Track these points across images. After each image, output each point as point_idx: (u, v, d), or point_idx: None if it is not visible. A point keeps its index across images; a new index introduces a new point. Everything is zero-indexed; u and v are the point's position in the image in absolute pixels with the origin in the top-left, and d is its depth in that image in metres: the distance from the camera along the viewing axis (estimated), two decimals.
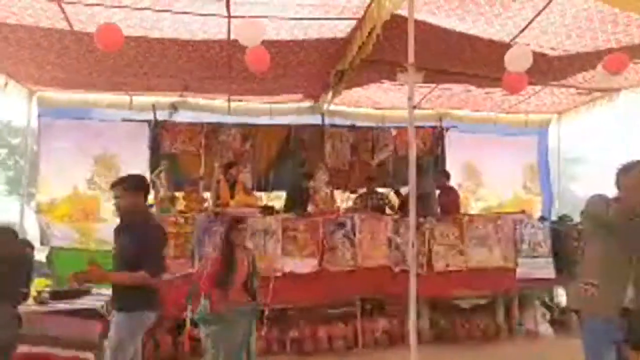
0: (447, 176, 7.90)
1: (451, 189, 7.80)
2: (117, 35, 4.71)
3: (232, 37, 5.37)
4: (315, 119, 8.68)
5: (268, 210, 6.43)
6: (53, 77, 6.89)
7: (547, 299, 7.31)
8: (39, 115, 7.88)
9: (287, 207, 6.96)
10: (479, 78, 6.95)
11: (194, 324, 4.63)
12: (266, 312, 5.59)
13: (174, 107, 7.73)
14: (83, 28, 5.26)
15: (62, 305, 4.86)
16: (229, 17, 5.07)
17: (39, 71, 6.69)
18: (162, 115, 8.06)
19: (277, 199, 8.39)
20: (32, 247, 4.20)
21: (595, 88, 7.40)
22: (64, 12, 4.93)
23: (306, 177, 7.28)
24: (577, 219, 7.11)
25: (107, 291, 5.36)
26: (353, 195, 8.14)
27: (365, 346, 5.93)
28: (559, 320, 6.91)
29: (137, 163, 7.85)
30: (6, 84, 6.88)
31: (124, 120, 8.07)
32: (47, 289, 5.21)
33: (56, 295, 5.09)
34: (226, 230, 4.27)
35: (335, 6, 4.93)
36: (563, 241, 6.75)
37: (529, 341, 6.41)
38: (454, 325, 6.36)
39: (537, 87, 7.55)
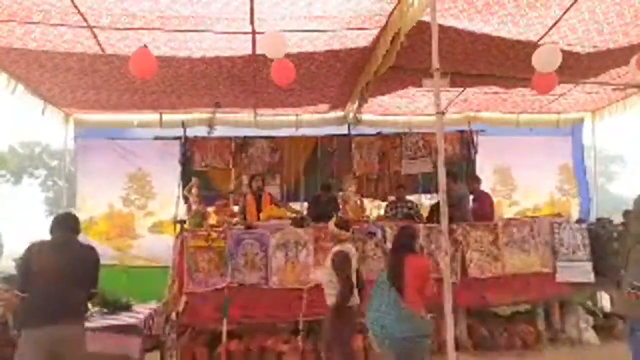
0: (478, 181, 7.76)
1: (484, 193, 7.65)
2: (151, 62, 4.88)
3: (258, 52, 5.46)
4: (342, 129, 8.69)
5: (301, 221, 6.40)
6: (87, 99, 7.16)
7: (590, 304, 7.04)
8: (75, 137, 8.19)
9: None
10: (507, 79, 6.83)
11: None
12: (301, 324, 5.59)
13: (210, 126, 7.88)
14: (114, 51, 5.46)
15: (102, 322, 4.97)
16: (254, 33, 5.16)
17: (73, 94, 6.96)
18: (192, 132, 8.23)
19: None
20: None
21: (629, 84, 7.17)
22: (95, 37, 5.13)
23: (334, 187, 7.28)
24: (617, 219, 6.86)
25: (147, 308, 5.50)
26: (383, 204, 8.07)
27: None
28: (604, 326, 6.63)
29: (169, 179, 8.04)
30: (44, 109, 7.18)
31: (156, 138, 8.28)
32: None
33: (97, 312, 5.22)
34: (409, 239, 4.09)
35: (357, 16, 4.95)
36: (603, 243, 6.51)
37: (572, 349, 6.17)
38: (493, 334, 6.19)
39: (568, 86, 7.36)
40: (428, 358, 3.82)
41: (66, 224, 3.77)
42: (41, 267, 3.47)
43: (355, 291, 4.36)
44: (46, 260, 3.51)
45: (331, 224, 4.61)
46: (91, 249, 3.84)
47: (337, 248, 4.43)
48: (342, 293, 4.21)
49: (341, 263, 4.27)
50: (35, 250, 3.58)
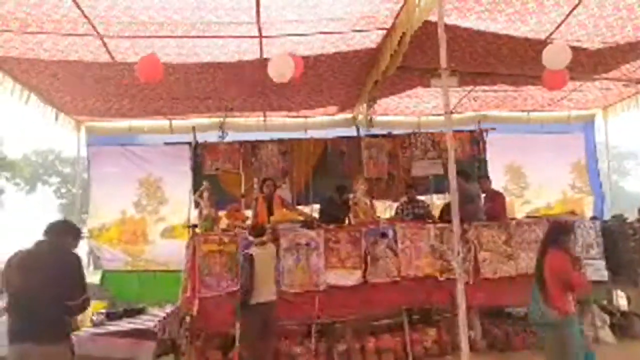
0: (489, 180, 7.69)
1: (497, 193, 7.58)
2: (157, 67, 4.93)
3: (265, 55, 5.49)
4: (351, 131, 8.69)
5: (312, 223, 6.40)
6: (98, 107, 7.25)
7: (605, 303, 6.94)
8: (87, 144, 8.29)
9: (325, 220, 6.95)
10: (517, 77, 6.78)
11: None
12: (313, 327, 5.59)
13: (222, 130, 7.94)
14: (123, 59, 5.52)
15: (116, 327, 5.02)
16: (261, 37, 5.19)
17: (85, 103, 7.06)
18: (202, 137, 8.28)
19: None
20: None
21: None
22: (105, 45, 5.20)
23: (345, 188, 7.26)
24: (632, 216, 6.77)
25: (162, 311, 5.54)
26: (394, 204, 8.05)
27: (416, 358, 5.79)
28: (621, 325, 6.53)
29: (180, 184, 8.10)
30: (56, 117, 7.28)
31: (166, 143, 8.35)
32: (103, 311, 5.42)
33: (112, 317, 5.28)
34: (556, 234, 4.07)
35: (364, 18, 4.96)
36: (618, 241, 6.42)
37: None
38: (507, 334, 6.13)
39: (579, 83, 7.29)
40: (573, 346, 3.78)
41: (52, 230, 3.58)
42: (14, 284, 3.38)
43: (272, 289, 4.94)
44: (18, 277, 3.38)
45: (250, 230, 5.28)
46: (71, 254, 3.56)
47: (248, 250, 4.98)
48: (240, 292, 4.80)
49: (244, 264, 4.84)
50: (11, 263, 3.44)
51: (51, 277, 3.36)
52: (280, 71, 4.95)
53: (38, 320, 3.29)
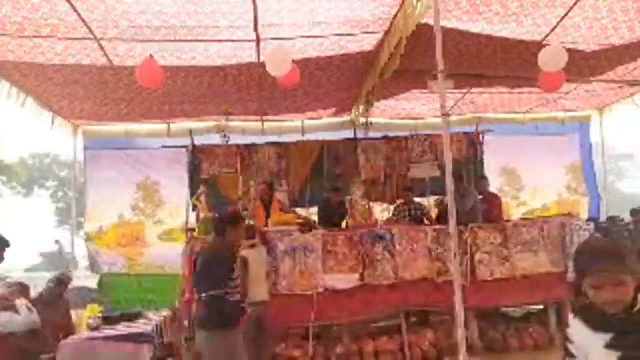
0: (486, 182, 7.72)
1: (493, 195, 7.61)
2: (157, 71, 4.95)
3: (262, 59, 5.50)
4: (348, 134, 8.71)
5: (309, 226, 6.40)
6: (95, 111, 7.24)
7: None
8: (84, 148, 8.28)
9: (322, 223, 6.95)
10: (513, 79, 6.82)
11: None
12: (311, 329, 5.59)
13: (223, 133, 7.94)
14: (121, 62, 5.52)
15: (113, 331, 5.01)
16: (258, 40, 5.21)
17: (82, 106, 7.05)
18: (199, 141, 8.29)
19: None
20: None
21: (637, 81, 7.12)
22: (102, 49, 5.20)
23: (342, 191, 7.27)
24: (628, 218, 6.80)
25: (159, 316, 5.52)
26: (391, 207, 8.06)
27: (413, 359, 5.81)
28: None
29: (178, 188, 8.09)
30: (53, 121, 7.27)
31: (164, 147, 8.35)
32: (100, 315, 5.40)
33: (109, 321, 5.27)
34: None
35: (361, 21, 4.97)
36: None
37: None
38: (505, 336, 6.13)
39: (575, 84, 7.33)
40: None
41: None
42: None
43: (265, 289, 5.06)
44: None
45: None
46: None
47: (241, 253, 4.92)
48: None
49: (238, 268, 4.68)
50: None
51: None
52: (278, 63, 4.94)
53: None
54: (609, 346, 1.56)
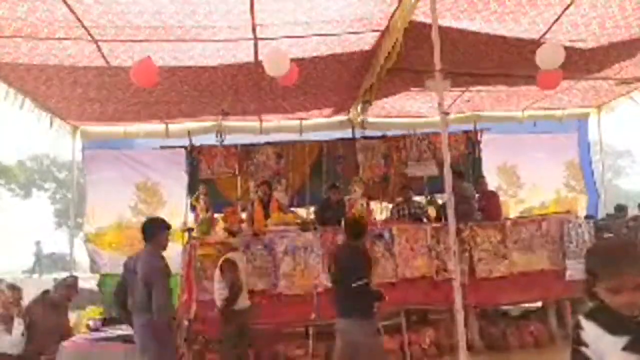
0: (484, 180, 7.73)
1: (492, 193, 7.63)
2: (152, 71, 4.93)
3: (260, 58, 5.50)
4: (347, 133, 8.70)
5: (308, 225, 6.40)
6: (93, 111, 7.23)
7: None
8: (82, 149, 8.26)
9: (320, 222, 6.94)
10: (511, 77, 6.82)
11: None
12: (311, 328, 5.59)
13: (220, 134, 7.94)
14: (119, 63, 5.52)
15: (113, 332, 5.01)
16: (255, 39, 5.20)
17: (80, 107, 7.04)
18: (197, 141, 8.27)
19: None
20: None
21: (635, 77, 7.12)
22: (100, 50, 5.19)
23: (341, 190, 7.27)
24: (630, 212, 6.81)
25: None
26: (390, 206, 8.06)
27: (414, 358, 5.81)
28: None
29: (177, 188, 8.08)
30: (51, 122, 7.26)
31: (162, 147, 8.33)
32: (99, 317, 5.40)
33: (108, 322, 5.26)
34: None
35: (358, 20, 4.97)
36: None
37: None
38: (504, 334, 6.15)
39: (572, 82, 7.33)
40: None
41: None
42: None
43: (245, 295, 4.92)
44: None
45: (221, 231, 5.41)
46: None
47: (226, 256, 4.95)
48: (227, 298, 4.71)
49: (228, 270, 4.77)
50: None
51: None
52: (276, 64, 4.93)
53: None
54: (626, 348, 1.54)
